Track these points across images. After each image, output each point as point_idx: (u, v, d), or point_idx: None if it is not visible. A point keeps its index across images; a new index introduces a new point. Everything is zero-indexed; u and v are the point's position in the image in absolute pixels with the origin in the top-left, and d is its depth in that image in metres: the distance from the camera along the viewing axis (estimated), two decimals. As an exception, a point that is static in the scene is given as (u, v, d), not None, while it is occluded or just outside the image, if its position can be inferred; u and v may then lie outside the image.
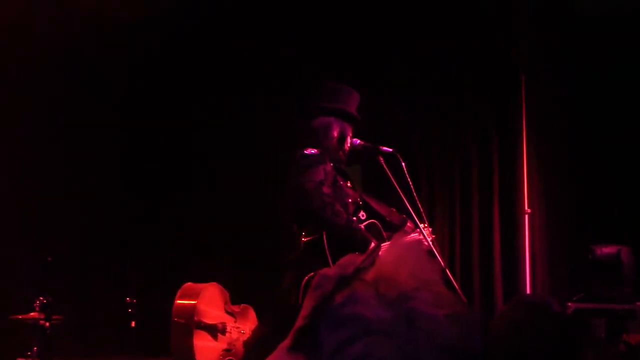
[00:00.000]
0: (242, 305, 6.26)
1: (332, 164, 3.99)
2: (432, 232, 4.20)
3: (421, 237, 3.89)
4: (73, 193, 7.12)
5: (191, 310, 5.93)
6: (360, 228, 3.81)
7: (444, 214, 6.70)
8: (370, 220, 4.03)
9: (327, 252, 3.69)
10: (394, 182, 3.90)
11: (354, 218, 3.96)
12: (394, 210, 4.06)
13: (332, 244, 3.73)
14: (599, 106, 6.43)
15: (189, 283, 6.18)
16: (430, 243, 3.95)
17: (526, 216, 6.45)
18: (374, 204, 4.16)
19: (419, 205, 3.91)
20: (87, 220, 7.24)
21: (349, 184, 4.09)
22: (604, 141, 6.40)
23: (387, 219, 4.12)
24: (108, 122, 7.35)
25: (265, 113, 6.94)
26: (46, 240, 6.54)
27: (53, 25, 6.68)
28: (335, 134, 4.07)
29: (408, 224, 4.04)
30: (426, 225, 4.16)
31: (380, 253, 1.85)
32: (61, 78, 6.99)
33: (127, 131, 7.49)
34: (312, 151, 3.94)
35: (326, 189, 3.79)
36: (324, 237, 3.74)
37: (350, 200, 3.98)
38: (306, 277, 3.78)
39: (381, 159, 3.99)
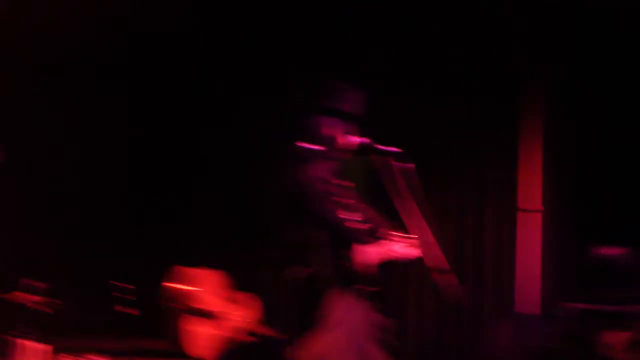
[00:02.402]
0: (245, 292, 6.20)
1: (330, 162, 3.92)
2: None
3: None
4: (66, 172, 7.07)
5: (187, 296, 5.89)
6: (349, 228, 3.74)
7: (440, 214, 6.59)
8: (367, 225, 3.95)
9: (315, 249, 3.68)
10: (403, 184, 3.81)
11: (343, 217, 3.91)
12: (383, 217, 3.99)
13: (320, 239, 3.69)
14: (604, 104, 6.32)
15: (187, 267, 6.14)
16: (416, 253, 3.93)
17: (524, 214, 6.39)
18: (365, 209, 4.08)
19: (428, 209, 3.82)
20: (81, 201, 7.18)
21: (344, 184, 4.00)
22: (609, 140, 6.32)
23: (374, 226, 4.06)
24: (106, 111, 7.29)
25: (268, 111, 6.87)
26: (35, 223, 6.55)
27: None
28: (336, 133, 3.98)
29: (391, 232, 3.97)
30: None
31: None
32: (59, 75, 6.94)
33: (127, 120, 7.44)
34: (311, 146, 3.88)
35: (321, 185, 3.73)
36: (313, 232, 3.70)
37: (342, 200, 3.91)
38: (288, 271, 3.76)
39: (392, 160, 3.89)
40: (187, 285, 5.96)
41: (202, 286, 5.98)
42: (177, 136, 7.35)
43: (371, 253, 3.77)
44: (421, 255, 3.93)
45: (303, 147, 3.87)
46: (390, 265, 3.98)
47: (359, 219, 4.01)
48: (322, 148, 3.89)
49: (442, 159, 6.69)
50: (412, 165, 3.85)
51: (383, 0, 6.74)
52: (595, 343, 5.66)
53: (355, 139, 4.02)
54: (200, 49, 7.20)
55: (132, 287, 5.48)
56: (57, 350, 5.02)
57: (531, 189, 6.46)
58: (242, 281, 6.17)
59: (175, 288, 5.98)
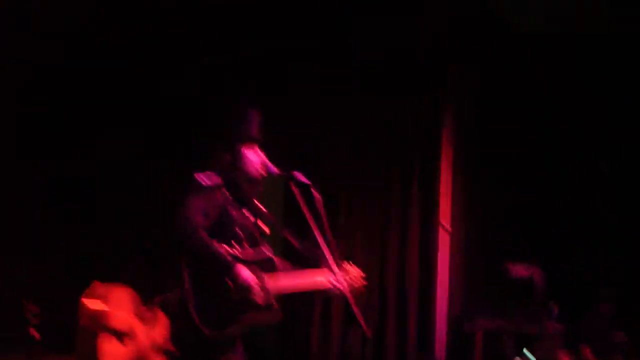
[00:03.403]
0: (152, 308, 6.14)
1: (226, 191, 3.87)
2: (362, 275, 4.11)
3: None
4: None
5: (99, 313, 5.78)
6: (221, 255, 3.67)
7: (364, 235, 6.66)
8: (265, 256, 3.93)
9: (186, 277, 3.65)
10: (307, 215, 3.80)
11: (250, 249, 3.89)
12: (311, 245, 3.94)
13: (195, 269, 3.68)
14: (523, 125, 6.48)
15: (98, 283, 6.03)
16: (347, 284, 3.91)
17: (444, 233, 6.48)
18: (289, 237, 4.05)
19: (332, 240, 3.82)
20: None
21: (247, 214, 3.97)
22: (525, 162, 6.46)
23: (303, 253, 4.07)
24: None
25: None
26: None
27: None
28: (237, 159, 3.94)
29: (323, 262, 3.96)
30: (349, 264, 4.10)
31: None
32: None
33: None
34: (203, 177, 3.84)
35: (199, 218, 3.69)
36: (184, 261, 3.70)
37: (241, 231, 3.88)
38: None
39: (296, 190, 3.88)
40: (99, 302, 5.86)
41: (113, 303, 5.88)
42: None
43: (252, 280, 3.69)
44: (346, 286, 3.93)
45: (196, 178, 3.84)
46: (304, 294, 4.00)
47: (264, 248, 4.00)
48: (216, 177, 3.87)
49: (363, 180, 6.75)
50: (318, 197, 3.85)
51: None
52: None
53: (272, 168, 3.99)
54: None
55: (37, 306, 5.30)
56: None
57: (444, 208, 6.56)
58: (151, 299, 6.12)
59: (87, 305, 5.87)
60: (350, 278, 3.99)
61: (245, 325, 3.75)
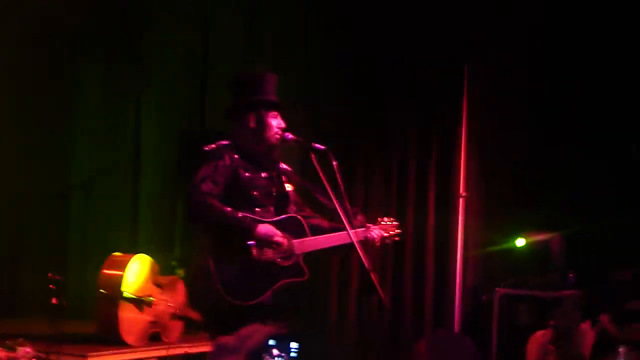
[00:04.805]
0: (171, 277, 6.19)
1: (237, 156, 3.87)
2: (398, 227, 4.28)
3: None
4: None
5: (117, 281, 5.82)
6: (237, 218, 3.68)
7: (380, 199, 6.68)
8: (288, 215, 3.94)
9: (207, 248, 3.67)
10: (323, 180, 3.78)
11: (271, 208, 3.91)
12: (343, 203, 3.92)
13: (214, 238, 3.70)
14: (538, 91, 6.42)
15: (116, 253, 6.08)
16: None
17: (461, 200, 6.46)
18: (319, 196, 4.03)
19: (348, 205, 3.81)
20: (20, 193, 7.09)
21: (263, 175, 3.96)
22: (543, 127, 6.41)
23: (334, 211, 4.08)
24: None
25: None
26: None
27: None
28: (253, 124, 3.94)
29: (358, 217, 3.98)
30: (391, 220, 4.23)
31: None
32: None
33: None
34: (212, 146, 3.87)
35: (205, 186, 3.71)
36: (206, 232, 3.74)
37: (258, 192, 3.89)
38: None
39: (313, 156, 3.87)
40: (117, 271, 5.90)
41: (132, 272, 5.92)
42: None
43: (273, 234, 3.72)
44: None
45: (205, 149, 3.85)
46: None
47: (288, 209, 4.01)
48: (233, 142, 3.87)
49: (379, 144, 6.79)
50: (335, 162, 3.83)
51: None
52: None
53: (288, 134, 3.97)
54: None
55: (59, 279, 5.34)
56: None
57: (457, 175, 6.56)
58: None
59: (105, 274, 5.91)
60: (384, 229, 4.14)
61: (271, 293, 3.76)
